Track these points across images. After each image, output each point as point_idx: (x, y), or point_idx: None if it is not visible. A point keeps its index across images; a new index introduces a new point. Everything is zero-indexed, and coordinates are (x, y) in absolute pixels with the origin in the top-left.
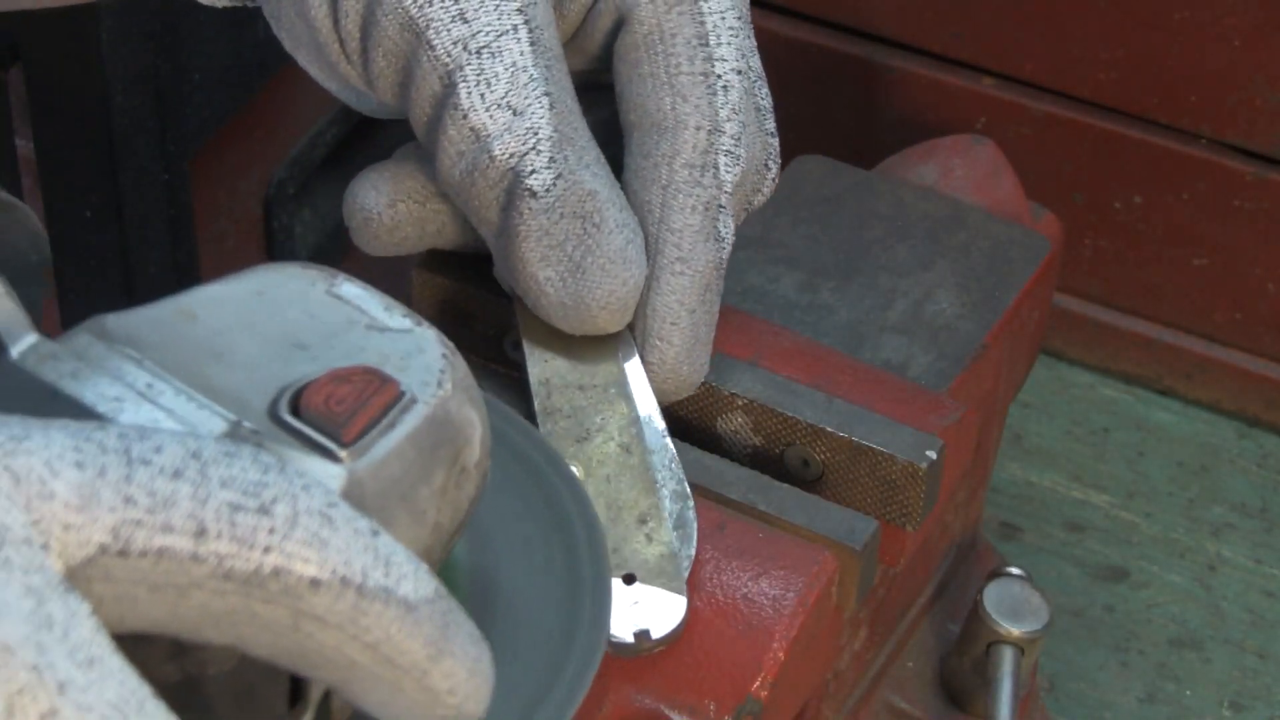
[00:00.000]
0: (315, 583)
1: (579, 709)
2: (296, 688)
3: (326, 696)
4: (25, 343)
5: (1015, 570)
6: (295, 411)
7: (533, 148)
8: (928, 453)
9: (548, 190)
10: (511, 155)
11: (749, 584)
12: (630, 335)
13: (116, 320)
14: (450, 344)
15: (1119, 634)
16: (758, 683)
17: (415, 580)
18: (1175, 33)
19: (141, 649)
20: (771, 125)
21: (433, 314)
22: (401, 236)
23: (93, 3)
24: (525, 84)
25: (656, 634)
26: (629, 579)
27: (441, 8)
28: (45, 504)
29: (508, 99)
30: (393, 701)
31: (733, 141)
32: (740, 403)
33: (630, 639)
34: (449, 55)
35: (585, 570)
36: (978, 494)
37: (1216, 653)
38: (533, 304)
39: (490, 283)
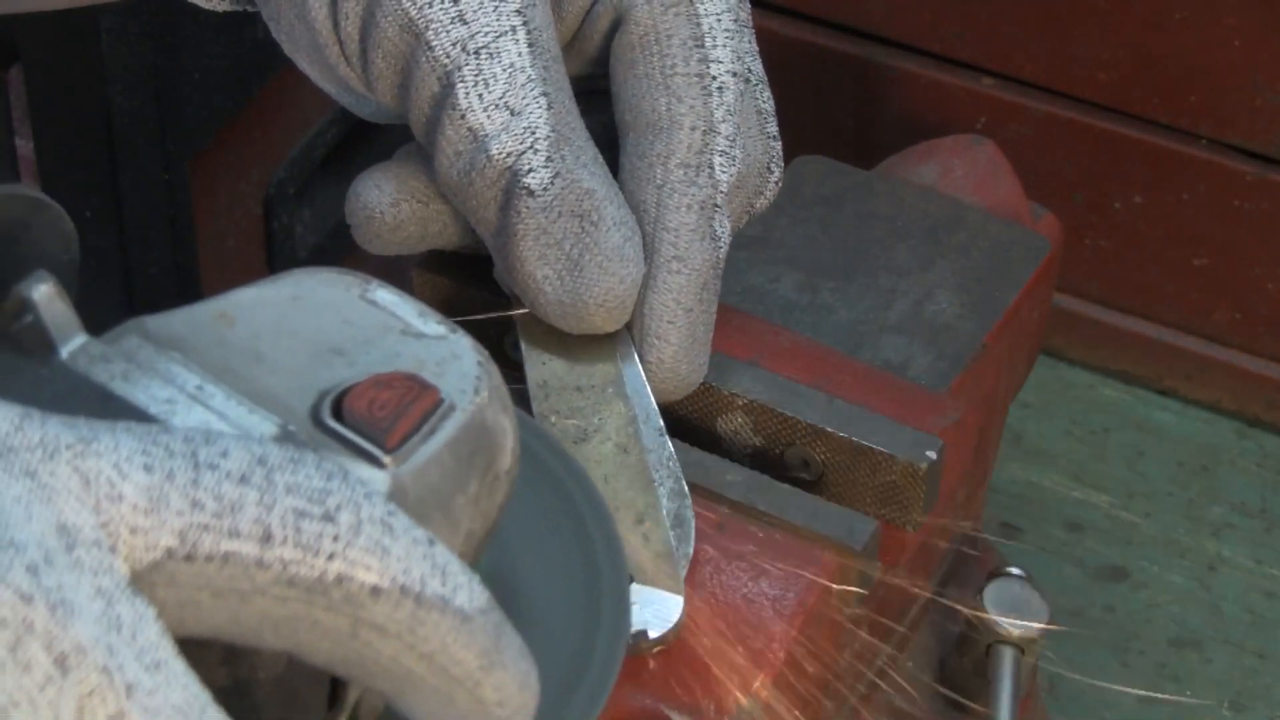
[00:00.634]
0: (376, 591)
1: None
2: (335, 691)
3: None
4: (75, 343)
5: (1015, 570)
6: (338, 416)
7: (530, 147)
8: (928, 453)
9: (545, 189)
10: (509, 154)
11: (749, 584)
12: (628, 335)
13: (157, 323)
14: (484, 351)
15: (1119, 634)
16: (758, 683)
17: (470, 591)
18: (1175, 33)
19: (196, 653)
20: (774, 128)
21: None
22: (404, 236)
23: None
24: (523, 84)
25: (653, 634)
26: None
27: (440, 9)
28: (114, 506)
29: (505, 99)
30: (444, 712)
31: (727, 142)
32: (740, 403)
33: (631, 633)
34: (447, 56)
35: (604, 571)
36: (978, 494)
37: (1216, 653)
38: (531, 303)
39: (490, 283)
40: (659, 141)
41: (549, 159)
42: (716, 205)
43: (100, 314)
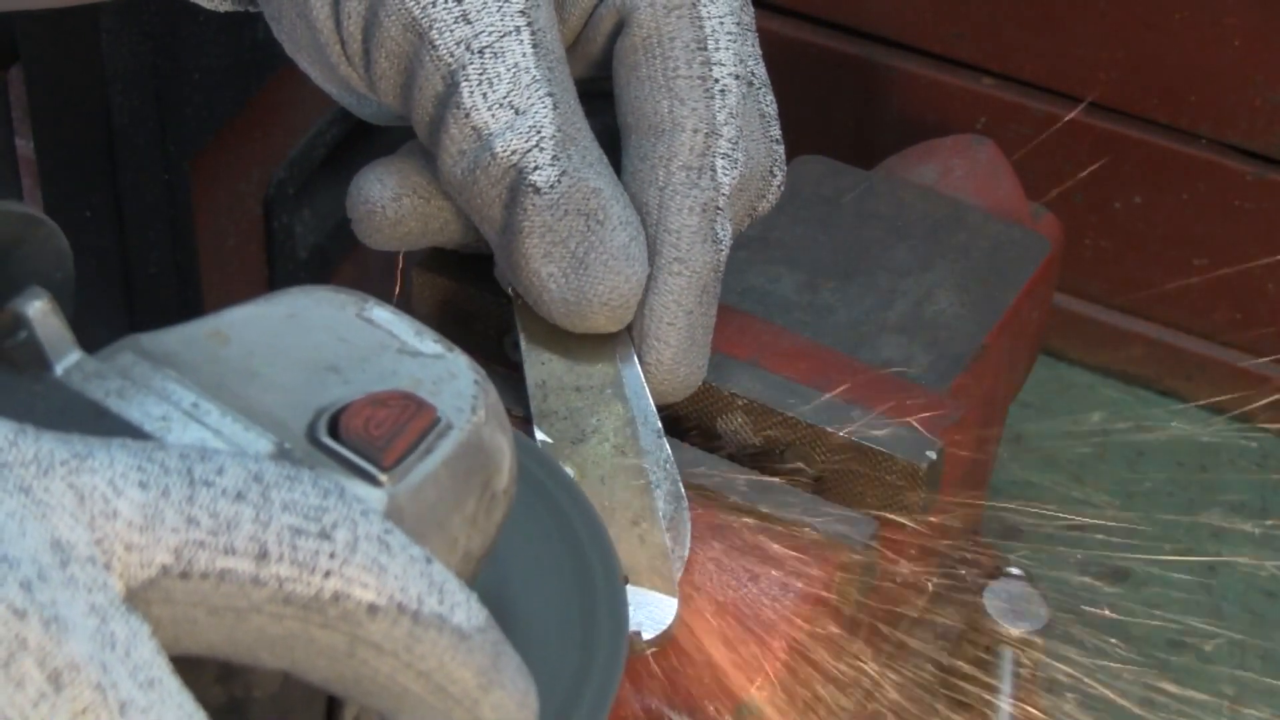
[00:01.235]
0: (373, 609)
1: None
2: (331, 709)
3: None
4: (70, 360)
5: (1015, 570)
6: (334, 434)
7: (536, 145)
8: (928, 453)
9: (552, 186)
10: (513, 152)
11: (749, 584)
12: (628, 337)
13: (151, 340)
14: (481, 370)
15: (1119, 634)
16: (758, 683)
17: (468, 609)
18: (1175, 33)
19: (191, 671)
20: (776, 132)
21: (433, 314)
22: (404, 231)
23: (93, 3)
24: (528, 84)
25: (647, 635)
26: (622, 580)
27: (445, 9)
28: (108, 523)
29: (510, 98)
30: None
31: (730, 145)
32: (740, 403)
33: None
34: (452, 55)
35: (599, 583)
36: (978, 494)
37: (1216, 653)
38: (534, 301)
39: (490, 283)
40: (661, 144)
41: (555, 157)
42: (718, 208)
43: (100, 314)
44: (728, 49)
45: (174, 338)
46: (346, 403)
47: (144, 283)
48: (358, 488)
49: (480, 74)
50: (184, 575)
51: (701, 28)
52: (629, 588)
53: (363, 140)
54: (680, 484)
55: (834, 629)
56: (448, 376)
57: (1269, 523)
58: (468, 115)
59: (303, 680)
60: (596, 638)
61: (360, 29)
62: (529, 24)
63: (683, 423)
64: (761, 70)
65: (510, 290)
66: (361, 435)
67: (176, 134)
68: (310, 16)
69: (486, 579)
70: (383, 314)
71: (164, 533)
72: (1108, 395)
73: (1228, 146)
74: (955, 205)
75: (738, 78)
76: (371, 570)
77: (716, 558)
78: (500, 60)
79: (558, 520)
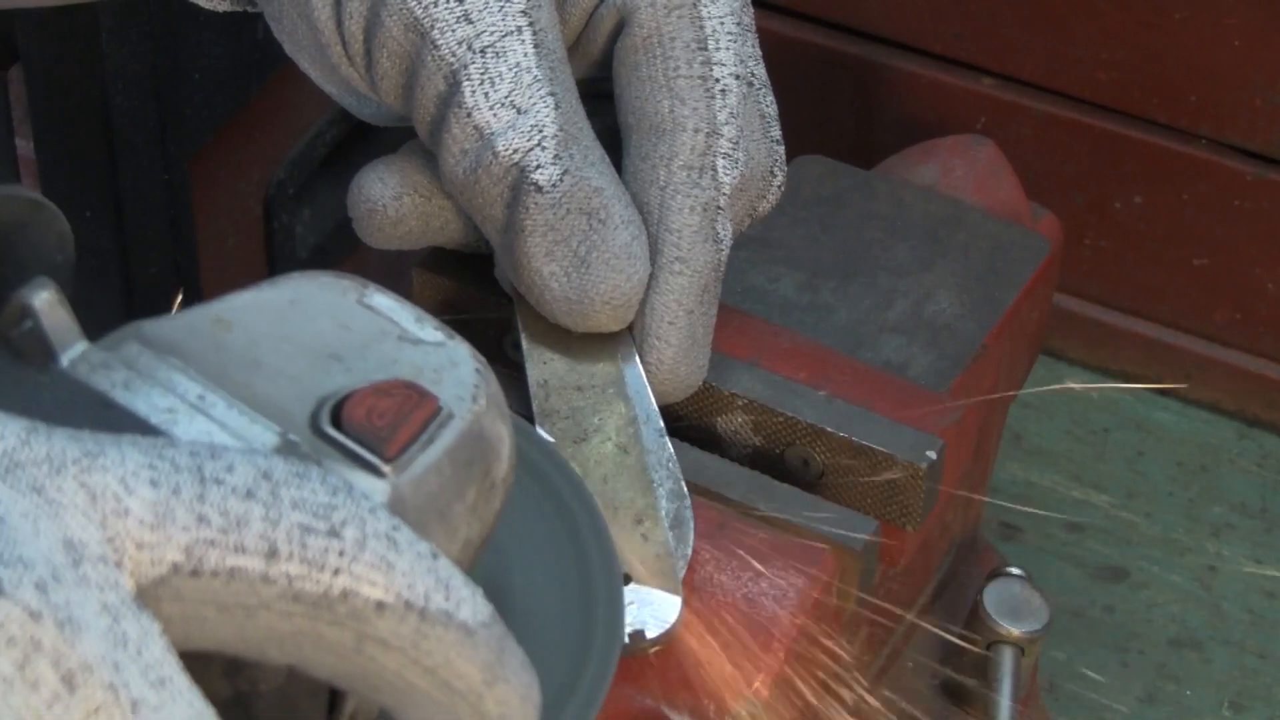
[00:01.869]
0: (381, 606)
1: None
2: (333, 701)
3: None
4: (75, 350)
5: (1015, 570)
6: (337, 424)
7: (538, 144)
8: (928, 453)
9: (554, 185)
10: (515, 151)
11: (749, 584)
12: (629, 336)
13: (154, 328)
14: (481, 358)
15: (1119, 634)
16: (758, 682)
17: (473, 604)
18: (1175, 33)
19: (198, 666)
20: (777, 133)
21: (433, 314)
22: (405, 230)
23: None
24: (529, 84)
25: (651, 634)
26: (625, 579)
27: (446, 9)
28: (120, 521)
29: (511, 98)
30: None
31: (730, 145)
32: (740, 403)
33: (625, 639)
34: (453, 55)
35: (598, 575)
36: (977, 494)
37: (1216, 653)
38: (536, 300)
39: (490, 283)
40: (662, 144)
41: (557, 156)
42: (719, 207)
43: (100, 314)
44: (728, 49)
45: (177, 325)
46: (349, 392)
47: (144, 283)
48: (361, 479)
49: (482, 73)
50: (194, 573)
51: (702, 28)
52: (633, 586)
53: (363, 140)
54: (683, 482)
55: (834, 629)
56: (449, 364)
57: (1269, 523)
58: (469, 114)
59: (308, 675)
60: (594, 629)
61: (362, 29)
62: (530, 24)
63: (682, 422)
64: (762, 71)
65: (511, 290)
66: (364, 425)
67: (176, 134)
68: (311, 16)
69: (487, 567)
70: (384, 300)
71: (175, 531)
72: (1108, 395)
73: (1228, 146)
74: (955, 205)
75: (738, 78)
76: (379, 568)
77: (715, 558)
78: (502, 60)
79: (556, 506)
